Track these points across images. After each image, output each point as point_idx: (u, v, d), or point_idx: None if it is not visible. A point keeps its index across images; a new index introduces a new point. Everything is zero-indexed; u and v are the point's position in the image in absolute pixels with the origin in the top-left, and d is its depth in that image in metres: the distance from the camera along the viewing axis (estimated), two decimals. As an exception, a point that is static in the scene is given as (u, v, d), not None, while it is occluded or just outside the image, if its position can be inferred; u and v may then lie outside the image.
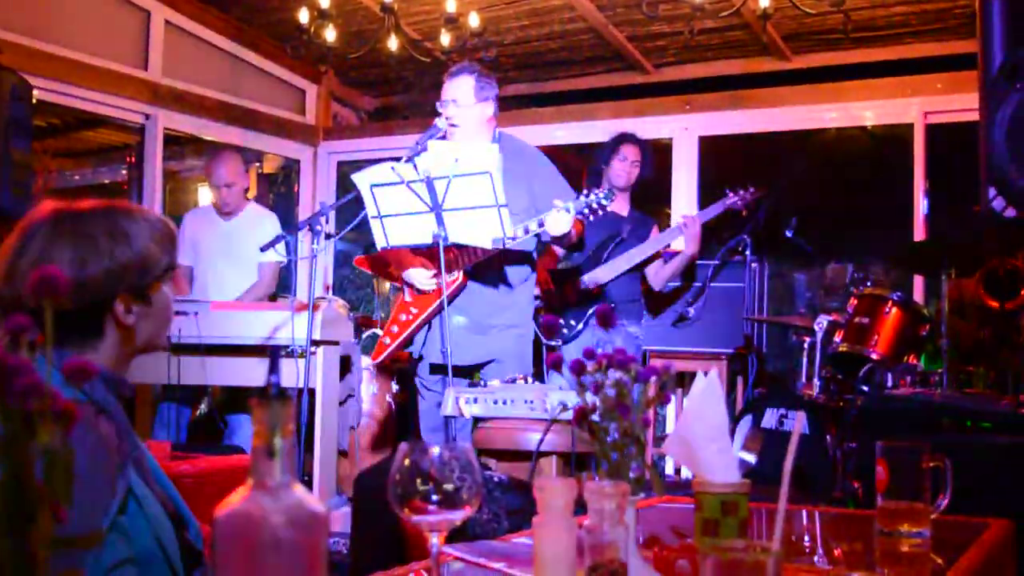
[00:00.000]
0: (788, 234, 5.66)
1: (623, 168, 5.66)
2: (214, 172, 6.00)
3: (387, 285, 7.23)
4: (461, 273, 4.52)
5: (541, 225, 4.32)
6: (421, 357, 4.70)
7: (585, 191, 4.38)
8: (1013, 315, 4.88)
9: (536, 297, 5.13)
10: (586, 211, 4.35)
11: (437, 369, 4.62)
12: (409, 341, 4.68)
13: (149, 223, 1.85)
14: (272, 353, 0.97)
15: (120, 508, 1.64)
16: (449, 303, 4.52)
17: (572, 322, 5.36)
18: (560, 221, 4.26)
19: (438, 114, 4.50)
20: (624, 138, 5.77)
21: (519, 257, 4.60)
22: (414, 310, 4.64)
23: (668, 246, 5.65)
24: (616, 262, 5.50)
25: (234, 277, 5.91)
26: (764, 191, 5.63)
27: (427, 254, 4.58)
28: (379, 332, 6.37)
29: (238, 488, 0.95)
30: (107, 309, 1.79)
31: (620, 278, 5.54)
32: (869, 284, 5.08)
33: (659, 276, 5.69)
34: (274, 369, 0.95)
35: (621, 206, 5.70)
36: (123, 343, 1.82)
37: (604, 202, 4.35)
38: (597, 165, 5.77)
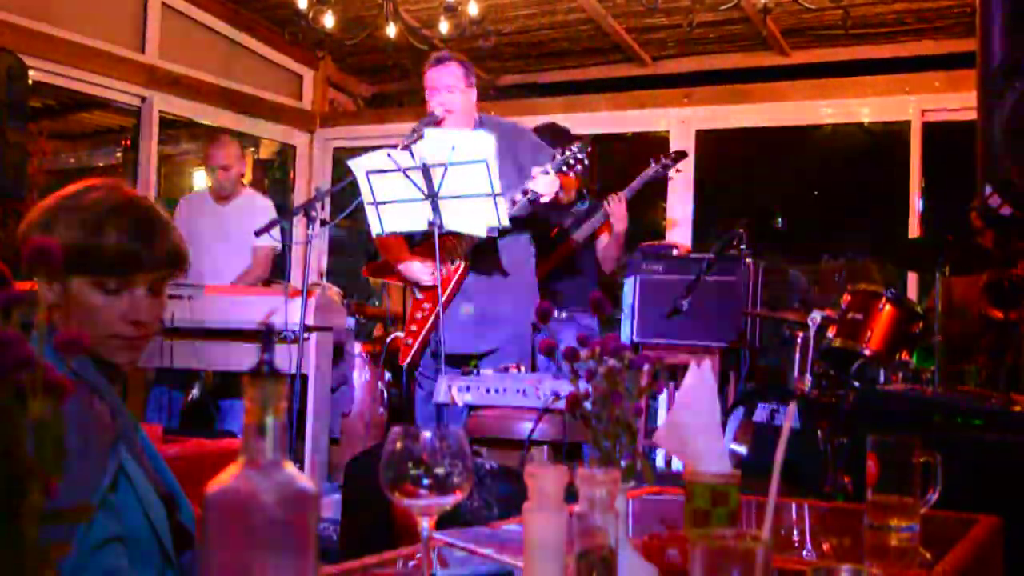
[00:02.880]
0: (778, 226, 5.70)
1: None
2: (211, 154, 6.03)
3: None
4: (463, 259, 4.53)
5: (525, 193, 4.37)
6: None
7: (560, 149, 4.49)
8: (1016, 325, 4.89)
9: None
10: (564, 168, 4.46)
11: (438, 357, 4.63)
12: (429, 336, 4.68)
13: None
14: (265, 332, 0.97)
15: (110, 486, 1.64)
16: (456, 291, 4.55)
17: None
18: (544, 182, 4.31)
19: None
20: None
21: (516, 238, 4.62)
22: (427, 305, 4.65)
23: (605, 223, 5.61)
24: (558, 252, 5.53)
25: (229, 262, 5.91)
26: (684, 154, 5.77)
27: (423, 248, 4.59)
28: (359, 317, 6.38)
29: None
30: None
31: (567, 270, 5.57)
32: (863, 280, 5.09)
33: (605, 256, 5.72)
34: (267, 347, 0.95)
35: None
36: (62, 326, 1.74)
37: (579, 155, 4.43)
38: None
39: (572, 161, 4.46)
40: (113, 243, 1.73)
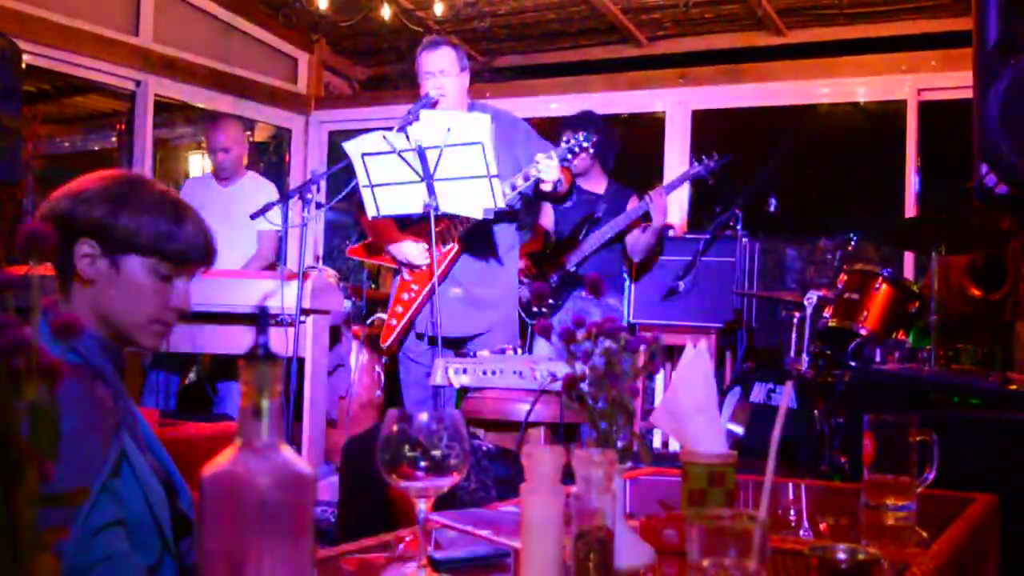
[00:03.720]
0: (771, 209, 5.72)
1: None
2: (212, 137, 6.00)
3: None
4: (456, 241, 4.53)
5: (527, 179, 4.36)
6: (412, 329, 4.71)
7: (565, 138, 4.46)
8: (998, 305, 4.90)
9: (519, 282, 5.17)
10: (569, 156, 4.43)
11: (429, 340, 4.62)
12: (414, 318, 4.68)
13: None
14: (260, 314, 0.97)
15: (112, 471, 1.64)
16: (447, 274, 4.55)
17: (551, 300, 5.42)
18: (547, 169, 4.30)
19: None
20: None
21: (505, 225, 4.62)
22: (415, 287, 4.64)
23: (646, 217, 5.66)
24: (591, 240, 5.59)
25: (231, 245, 5.87)
26: (728, 157, 5.71)
27: (416, 229, 4.59)
28: (356, 300, 6.39)
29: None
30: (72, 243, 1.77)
31: (598, 254, 5.59)
32: (859, 260, 5.10)
33: (637, 247, 5.75)
34: (262, 330, 0.95)
35: (597, 184, 5.77)
36: (92, 303, 1.79)
37: (584, 144, 4.41)
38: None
39: (577, 149, 4.44)
40: (192, 233, 1.84)
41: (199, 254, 1.86)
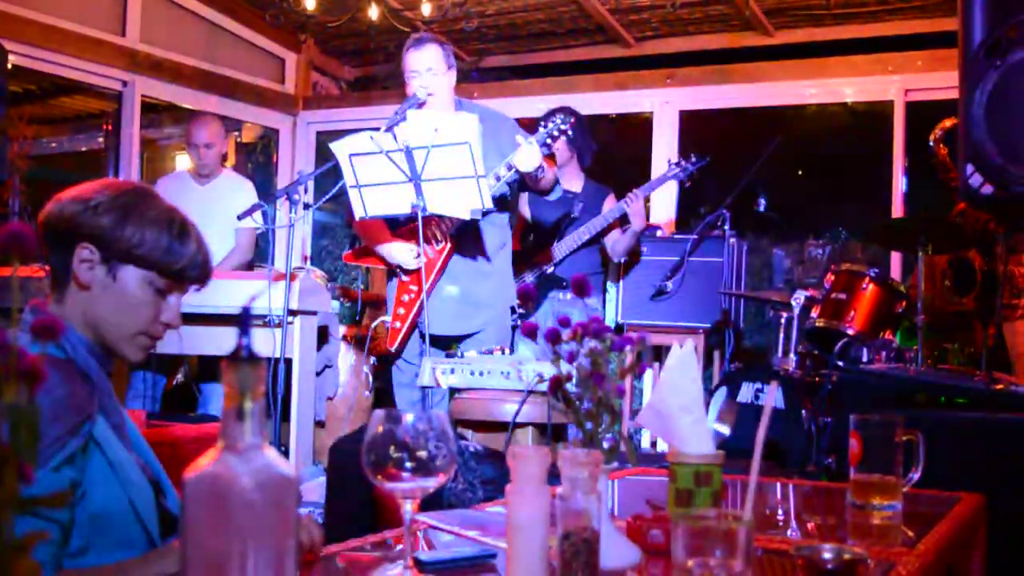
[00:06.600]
0: (760, 209, 5.73)
1: None
2: (193, 132, 5.97)
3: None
4: (448, 239, 4.53)
5: (510, 168, 4.35)
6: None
7: (543, 123, 4.43)
8: (976, 309, 4.92)
9: None
10: (548, 140, 4.41)
11: (423, 339, 4.62)
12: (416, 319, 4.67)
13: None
14: (243, 316, 0.96)
15: (65, 462, 1.62)
16: (443, 272, 4.55)
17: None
18: (528, 154, 4.29)
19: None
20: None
21: (495, 223, 4.62)
22: (413, 287, 4.63)
23: (624, 219, 5.67)
24: (568, 240, 5.60)
25: (211, 244, 5.85)
26: (707, 159, 5.71)
27: (405, 230, 4.58)
28: (344, 301, 6.39)
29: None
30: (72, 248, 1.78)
31: (576, 253, 5.60)
32: (847, 260, 5.11)
33: (617, 249, 5.79)
34: (244, 331, 0.94)
35: (574, 182, 5.77)
36: (84, 307, 1.80)
37: (563, 126, 4.39)
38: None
39: (556, 132, 4.43)
40: (193, 252, 1.87)
41: (197, 273, 1.89)
